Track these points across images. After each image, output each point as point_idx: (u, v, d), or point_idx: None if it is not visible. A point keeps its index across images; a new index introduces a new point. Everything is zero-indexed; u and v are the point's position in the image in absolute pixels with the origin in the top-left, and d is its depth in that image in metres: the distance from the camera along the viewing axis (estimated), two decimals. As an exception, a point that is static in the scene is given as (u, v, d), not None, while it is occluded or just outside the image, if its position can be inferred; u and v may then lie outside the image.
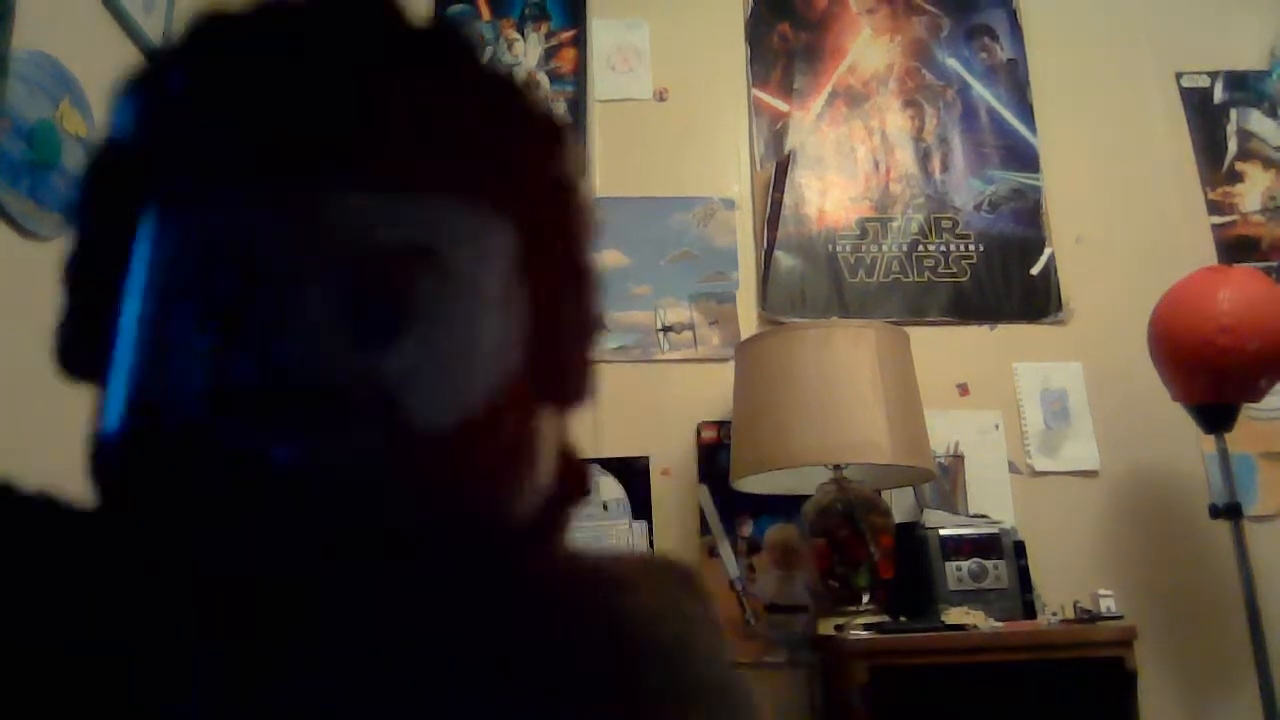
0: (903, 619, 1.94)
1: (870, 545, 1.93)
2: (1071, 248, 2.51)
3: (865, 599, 1.93)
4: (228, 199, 0.41)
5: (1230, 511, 1.96)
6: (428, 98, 0.43)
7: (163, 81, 0.44)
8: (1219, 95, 2.67)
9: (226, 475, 0.39)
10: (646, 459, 2.26)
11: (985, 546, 1.99)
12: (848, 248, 2.49)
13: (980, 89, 2.64)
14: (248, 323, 0.40)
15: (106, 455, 0.43)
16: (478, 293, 0.44)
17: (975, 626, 1.81)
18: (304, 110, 0.41)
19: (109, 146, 0.46)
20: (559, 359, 0.48)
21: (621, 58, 2.59)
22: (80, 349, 0.47)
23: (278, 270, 0.40)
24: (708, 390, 2.29)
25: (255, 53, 0.42)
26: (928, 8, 2.70)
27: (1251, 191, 2.60)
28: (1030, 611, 1.96)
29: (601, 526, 2.20)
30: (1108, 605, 1.98)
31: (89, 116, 1.72)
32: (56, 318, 0.47)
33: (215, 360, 0.40)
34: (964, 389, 2.38)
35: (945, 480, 2.29)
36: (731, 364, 2.16)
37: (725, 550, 2.16)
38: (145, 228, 0.44)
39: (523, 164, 0.47)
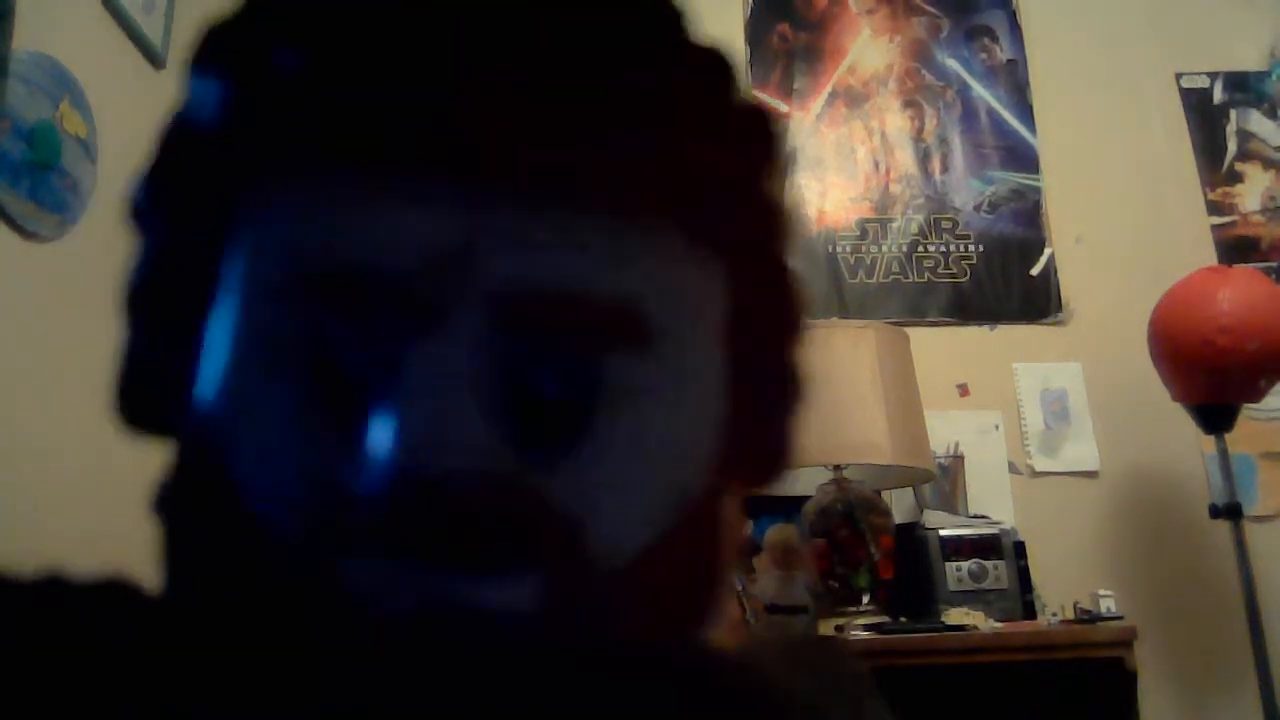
0: (903, 619, 1.93)
1: (870, 546, 1.93)
2: (1071, 248, 2.51)
3: (865, 599, 1.93)
4: (346, 208, 0.31)
5: (1230, 512, 1.96)
6: (626, 81, 0.32)
7: (269, 44, 0.32)
8: (1219, 96, 2.67)
9: (336, 618, 0.29)
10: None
11: (985, 547, 1.99)
12: (847, 248, 2.49)
13: (980, 89, 2.64)
14: (362, 399, 0.30)
15: (176, 544, 0.33)
16: (683, 363, 0.33)
17: (975, 627, 1.81)
18: (462, 94, 0.30)
19: (188, 131, 0.34)
20: (759, 433, 0.38)
21: (621, 58, 2.59)
22: (149, 396, 0.36)
23: (410, 323, 0.29)
24: (708, 391, 2.29)
25: (398, 14, 0.31)
26: (927, 8, 2.70)
27: (1251, 192, 2.60)
28: (1030, 612, 1.96)
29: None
30: (1108, 606, 1.98)
31: (89, 117, 1.72)
32: (118, 355, 0.36)
33: (318, 454, 0.30)
34: (964, 389, 2.38)
35: (945, 481, 2.29)
36: (731, 364, 2.16)
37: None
38: (236, 239, 0.33)
39: (740, 178, 0.35)
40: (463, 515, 0.28)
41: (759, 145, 0.36)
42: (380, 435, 0.29)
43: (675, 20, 0.34)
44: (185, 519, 0.33)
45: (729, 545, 0.35)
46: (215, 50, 0.34)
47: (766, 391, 0.38)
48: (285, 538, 0.30)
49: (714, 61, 0.35)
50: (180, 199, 0.35)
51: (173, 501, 0.34)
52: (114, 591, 0.36)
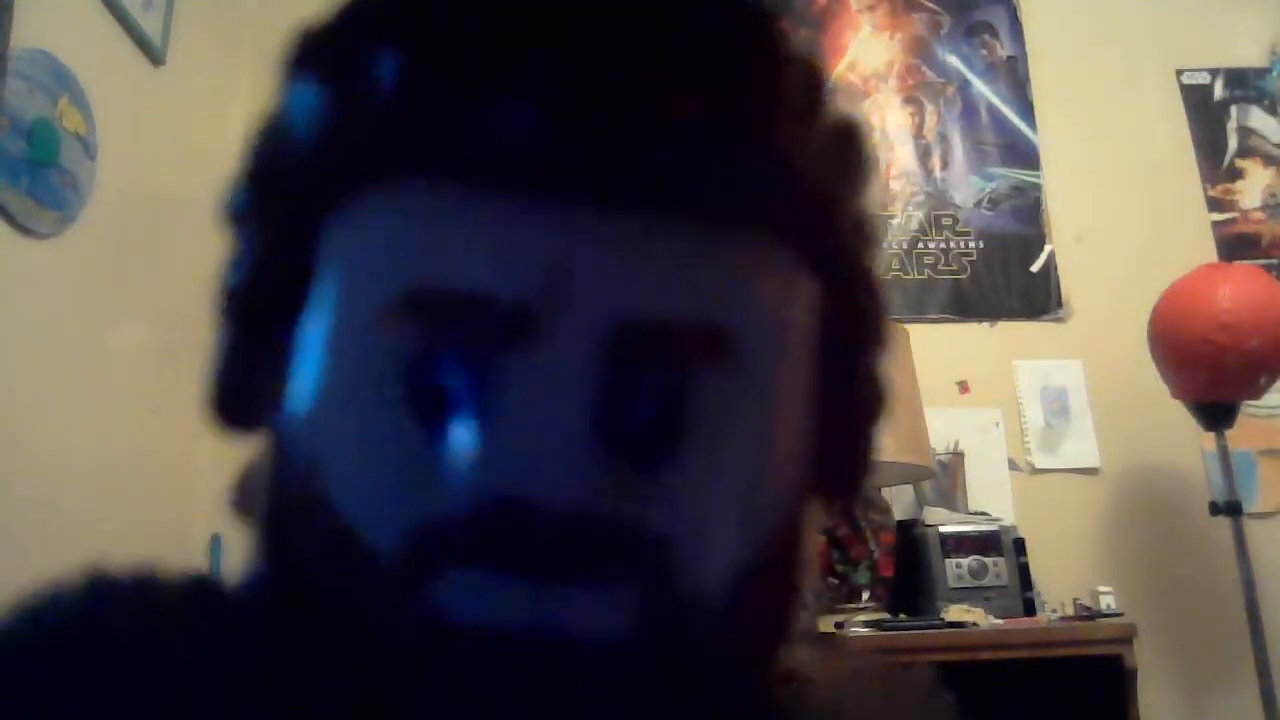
0: (902, 616, 1.94)
1: (870, 543, 1.93)
2: (1071, 245, 2.51)
3: (865, 596, 1.93)
4: (445, 226, 0.31)
5: (1230, 509, 1.96)
6: (725, 97, 0.31)
7: (369, 54, 0.32)
8: (1219, 92, 2.67)
9: (427, 642, 0.30)
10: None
11: (985, 544, 1.99)
12: (848, 245, 2.49)
13: (980, 86, 2.64)
14: (461, 417, 0.30)
15: (269, 549, 0.34)
16: (773, 384, 0.33)
17: (975, 624, 1.81)
18: (563, 111, 0.30)
19: (283, 136, 0.34)
20: (843, 447, 0.38)
21: (621, 55, 2.59)
22: (245, 396, 0.37)
23: (511, 343, 0.30)
24: (707, 388, 2.28)
25: (501, 26, 0.31)
26: (928, 5, 2.70)
27: (1252, 189, 2.60)
28: (1030, 609, 1.96)
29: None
30: (1107, 602, 1.98)
31: (88, 114, 1.72)
32: (213, 358, 0.37)
33: (416, 471, 0.30)
34: (964, 386, 2.38)
35: (945, 478, 2.29)
36: (731, 361, 2.15)
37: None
38: (332, 250, 0.33)
39: (834, 191, 0.35)
40: (560, 532, 0.29)
41: (852, 157, 0.36)
42: (480, 452, 0.29)
43: (771, 33, 0.34)
44: (278, 526, 0.34)
45: (809, 561, 0.36)
46: (312, 55, 0.34)
47: (852, 405, 0.38)
48: (382, 552, 0.30)
49: (809, 74, 0.35)
50: (276, 205, 0.35)
51: (264, 506, 0.34)
52: (205, 593, 0.37)
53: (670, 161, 0.30)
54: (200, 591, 0.37)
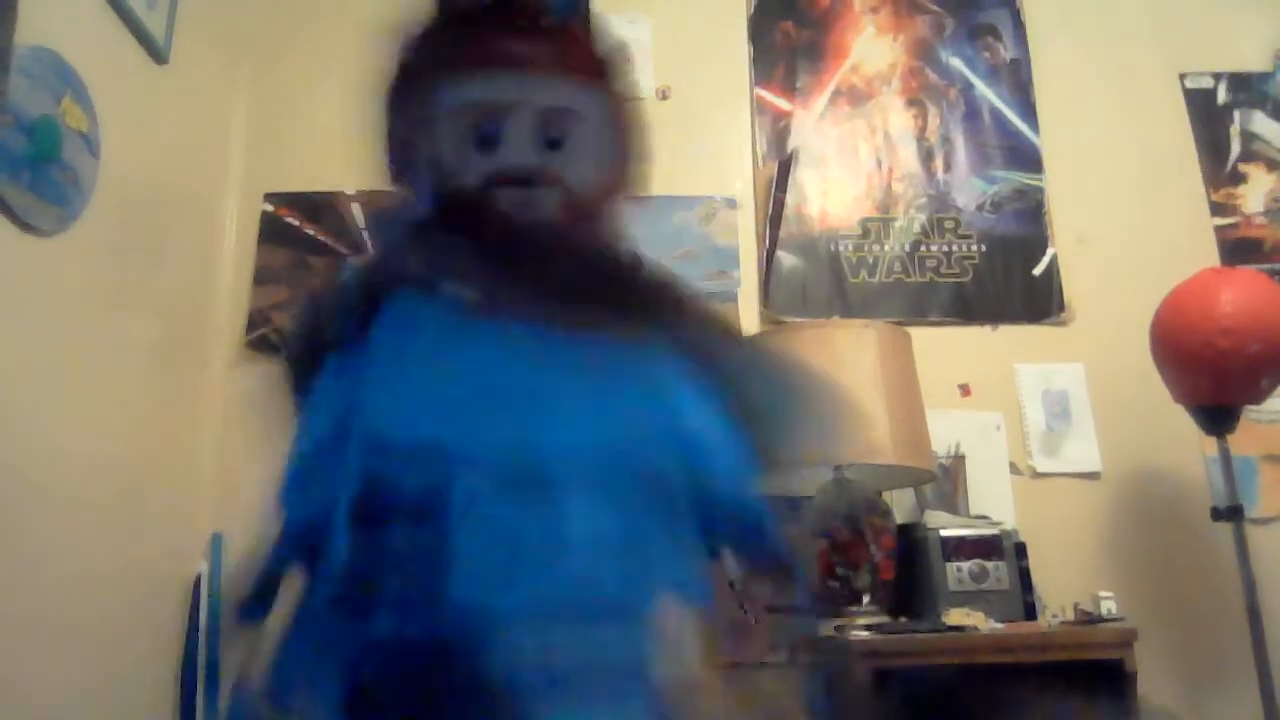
0: (903, 620, 1.93)
1: (871, 546, 1.92)
2: (1074, 248, 2.51)
3: (866, 600, 1.93)
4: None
5: (1231, 514, 1.96)
6: (573, 43, 0.87)
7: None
8: (1222, 97, 2.66)
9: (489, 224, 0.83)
10: (647, 458, 2.26)
11: (986, 547, 1.99)
12: (850, 247, 2.49)
13: (983, 89, 2.64)
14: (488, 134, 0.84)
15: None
16: (599, 128, 0.86)
17: (976, 627, 1.81)
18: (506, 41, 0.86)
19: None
20: (621, 168, 0.89)
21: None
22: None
23: (490, 137, 0.84)
24: (709, 389, 2.28)
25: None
26: (931, 7, 2.69)
27: (1255, 193, 2.59)
28: (1031, 613, 1.96)
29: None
30: (1108, 607, 1.97)
31: (91, 112, 1.72)
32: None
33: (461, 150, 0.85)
34: (965, 389, 2.38)
35: (946, 481, 2.29)
36: (733, 363, 2.15)
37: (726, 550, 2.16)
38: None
39: (602, 64, 0.90)
40: (524, 166, 0.83)
41: (609, 53, 0.90)
42: (493, 145, 0.87)
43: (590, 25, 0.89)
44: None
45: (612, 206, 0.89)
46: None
47: (622, 152, 0.89)
48: (466, 175, 0.85)
49: (597, 36, 0.89)
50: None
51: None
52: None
53: (549, 60, 0.85)
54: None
